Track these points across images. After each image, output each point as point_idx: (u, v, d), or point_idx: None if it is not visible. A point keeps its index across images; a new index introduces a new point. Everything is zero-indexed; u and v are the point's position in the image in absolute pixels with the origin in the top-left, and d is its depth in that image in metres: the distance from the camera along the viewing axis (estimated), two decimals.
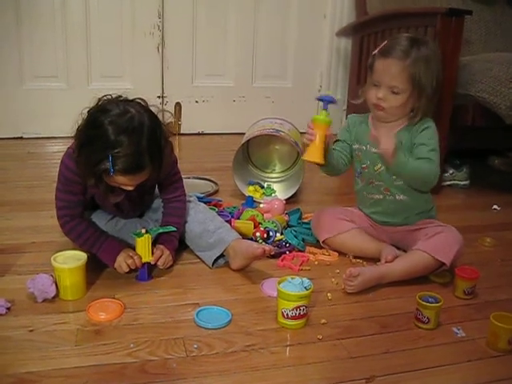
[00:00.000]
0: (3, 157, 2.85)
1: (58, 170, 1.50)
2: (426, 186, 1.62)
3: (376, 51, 1.62)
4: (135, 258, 1.48)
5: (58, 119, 2.97)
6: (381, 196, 1.67)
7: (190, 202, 1.72)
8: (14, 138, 3.15)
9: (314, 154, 1.52)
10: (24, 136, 3.18)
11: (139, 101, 1.42)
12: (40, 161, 2.75)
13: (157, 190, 1.68)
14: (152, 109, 1.42)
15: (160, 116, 1.44)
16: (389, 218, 1.69)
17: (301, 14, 3.47)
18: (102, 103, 1.38)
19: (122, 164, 1.31)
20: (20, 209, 2.04)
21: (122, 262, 1.48)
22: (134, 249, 1.51)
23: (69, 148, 1.47)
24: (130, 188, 1.41)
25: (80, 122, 1.37)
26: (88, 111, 1.36)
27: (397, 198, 1.65)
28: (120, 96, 1.40)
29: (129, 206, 1.61)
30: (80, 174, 1.41)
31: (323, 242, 1.74)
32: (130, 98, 1.42)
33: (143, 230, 1.50)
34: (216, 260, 1.61)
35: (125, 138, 1.30)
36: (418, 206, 1.67)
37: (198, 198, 2.04)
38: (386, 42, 1.62)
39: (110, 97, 1.40)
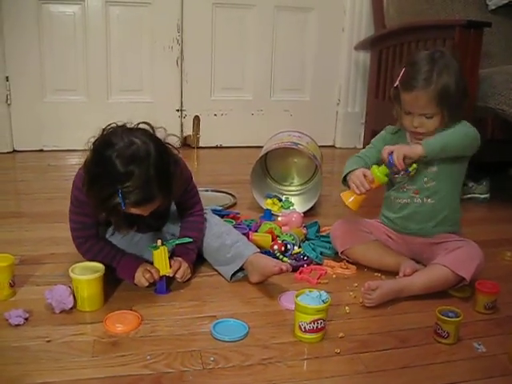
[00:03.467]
0: (24, 169, 2.89)
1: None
2: (470, 147, 1.58)
3: (397, 83, 1.61)
4: (152, 271, 1.48)
5: (78, 132, 2.96)
6: (408, 200, 1.65)
7: (205, 213, 1.72)
8: (35, 151, 3.20)
9: (356, 204, 1.59)
10: (44, 149, 3.23)
11: (144, 126, 1.41)
12: (60, 173, 2.78)
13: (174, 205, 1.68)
14: (159, 131, 1.42)
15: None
16: (412, 223, 1.67)
17: (319, 27, 3.48)
18: (107, 136, 1.36)
19: (133, 197, 1.31)
20: (39, 220, 2.06)
21: (141, 277, 1.48)
22: (152, 263, 1.51)
23: (79, 169, 1.46)
24: (145, 214, 1.41)
25: (88, 154, 1.36)
26: (94, 144, 1.35)
27: (424, 201, 1.63)
28: (124, 125, 1.39)
29: (145, 228, 1.61)
30: (91, 208, 1.41)
31: (341, 252, 1.73)
32: (136, 121, 1.41)
33: (159, 242, 1.50)
34: (234, 274, 1.60)
35: (132, 171, 1.29)
36: (444, 211, 1.63)
37: (217, 210, 2.05)
38: (403, 69, 1.61)
39: (114, 125, 1.38)
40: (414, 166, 1.53)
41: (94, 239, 1.54)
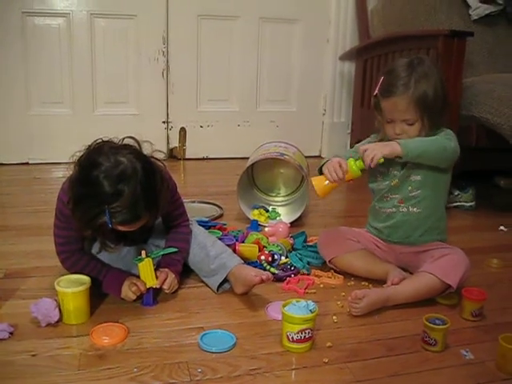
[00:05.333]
0: (9, 182, 2.86)
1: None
2: (446, 160, 1.58)
3: (376, 91, 1.63)
4: (138, 284, 1.47)
5: (64, 145, 2.95)
6: (394, 209, 1.66)
7: (191, 224, 1.70)
8: (21, 164, 3.18)
9: (325, 191, 1.58)
10: (30, 161, 3.21)
11: (130, 141, 1.40)
12: (45, 186, 2.75)
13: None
14: (145, 146, 1.41)
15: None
16: (399, 232, 1.67)
17: (304, 38, 3.50)
18: (93, 154, 1.33)
19: (120, 217, 1.30)
20: (25, 233, 2.04)
21: (128, 291, 1.47)
22: (138, 276, 1.50)
23: (63, 184, 1.45)
24: (131, 229, 1.39)
25: (73, 170, 1.34)
26: (79, 161, 1.34)
27: (410, 210, 1.63)
28: (110, 141, 1.38)
29: (130, 242, 1.60)
30: (76, 226, 1.40)
31: (329, 261, 1.73)
32: (122, 135, 1.40)
33: (143, 254, 1.48)
34: (221, 285, 1.60)
35: (120, 191, 1.28)
36: (430, 219, 1.64)
37: (203, 221, 2.04)
38: (382, 78, 1.63)
39: (100, 141, 1.37)
40: (381, 160, 1.51)
41: (79, 254, 1.53)
